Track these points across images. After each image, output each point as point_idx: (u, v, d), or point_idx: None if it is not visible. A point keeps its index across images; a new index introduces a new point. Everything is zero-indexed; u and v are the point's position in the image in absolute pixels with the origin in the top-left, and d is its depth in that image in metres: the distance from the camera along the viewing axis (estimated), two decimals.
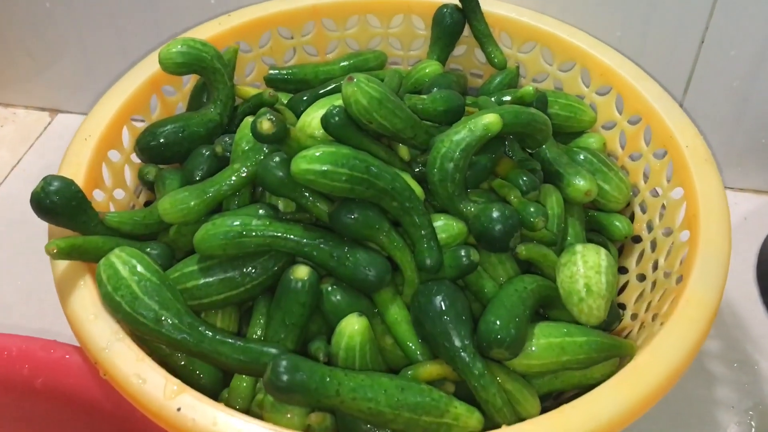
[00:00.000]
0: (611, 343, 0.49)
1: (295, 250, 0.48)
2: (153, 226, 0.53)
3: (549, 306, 0.53)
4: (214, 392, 0.49)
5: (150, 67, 0.62)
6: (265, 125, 0.47)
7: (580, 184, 0.56)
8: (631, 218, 0.62)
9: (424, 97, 0.55)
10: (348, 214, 0.48)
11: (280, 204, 0.53)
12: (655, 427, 0.58)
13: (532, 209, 0.51)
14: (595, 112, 0.67)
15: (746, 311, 0.68)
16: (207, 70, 0.59)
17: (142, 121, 0.62)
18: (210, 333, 0.45)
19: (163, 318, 0.44)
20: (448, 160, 0.50)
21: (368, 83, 0.49)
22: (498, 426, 0.43)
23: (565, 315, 0.52)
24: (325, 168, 0.45)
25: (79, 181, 0.52)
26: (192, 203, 0.50)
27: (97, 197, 0.55)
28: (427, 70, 0.66)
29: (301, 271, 0.47)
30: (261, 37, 0.69)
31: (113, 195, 0.58)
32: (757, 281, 0.71)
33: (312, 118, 0.54)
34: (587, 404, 0.41)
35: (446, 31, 0.68)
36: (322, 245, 0.48)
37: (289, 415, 0.44)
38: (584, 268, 0.50)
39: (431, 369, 0.47)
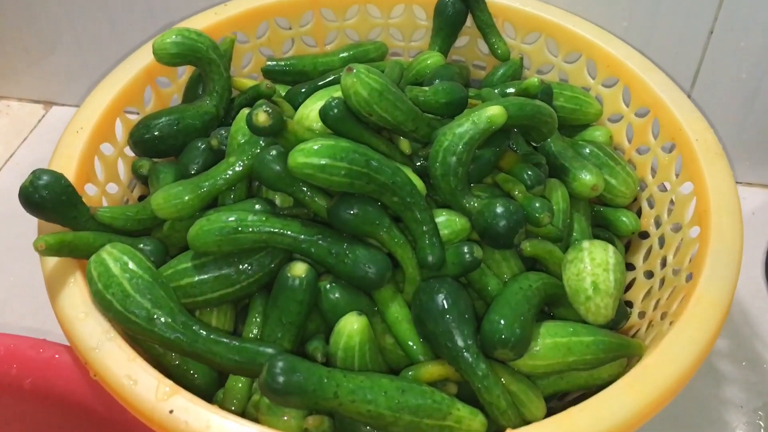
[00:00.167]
0: (619, 343, 0.49)
1: (293, 247, 0.48)
2: (146, 221, 0.53)
3: (554, 304, 0.53)
4: (209, 393, 0.49)
5: (144, 57, 0.61)
6: (262, 117, 0.46)
7: (587, 178, 0.56)
8: (638, 213, 0.62)
9: (426, 88, 0.55)
10: (347, 210, 0.47)
11: (277, 199, 0.53)
12: (661, 427, 0.58)
13: (537, 204, 0.51)
14: (602, 104, 0.66)
15: (755, 308, 0.68)
16: (202, 60, 0.59)
17: (136, 113, 0.62)
18: (204, 332, 0.45)
19: (155, 317, 0.44)
20: (451, 154, 0.50)
21: (368, 74, 0.49)
22: (502, 429, 0.43)
23: (572, 313, 0.51)
24: (323, 162, 0.45)
25: (70, 175, 0.51)
26: (186, 198, 0.50)
27: (89, 192, 0.55)
28: (428, 62, 0.65)
29: (299, 268, 0.46)
30: (258, 27, 0.69)
31: (106, 189, 0.58)
32: (766, 278, 0.70)
33: (310, 111, 0.54)
34: (595, 407, 0.40)
35: (448, 21, 0.68)
36: (320, 241, 0.47)
37: (285, 418, 0.44)
38: (591, 266, 0.50)
39: (433, 370, 0.46)
